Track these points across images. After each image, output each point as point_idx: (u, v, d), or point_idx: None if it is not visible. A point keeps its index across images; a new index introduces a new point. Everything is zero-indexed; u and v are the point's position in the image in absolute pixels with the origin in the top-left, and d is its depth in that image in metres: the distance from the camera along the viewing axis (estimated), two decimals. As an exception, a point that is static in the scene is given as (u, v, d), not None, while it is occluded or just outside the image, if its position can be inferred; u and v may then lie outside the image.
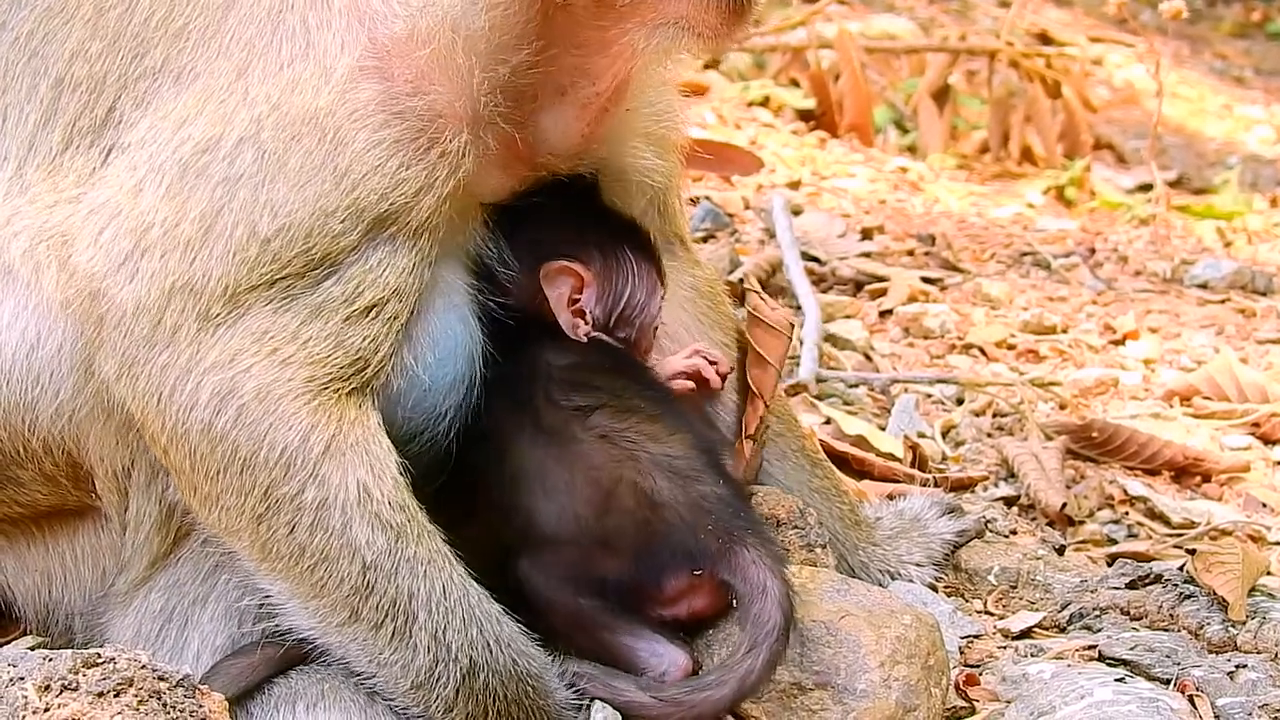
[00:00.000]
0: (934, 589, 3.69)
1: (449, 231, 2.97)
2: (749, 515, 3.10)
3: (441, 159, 2.84)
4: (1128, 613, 3.59)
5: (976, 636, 3.52)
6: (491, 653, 2.88)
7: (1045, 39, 9.73)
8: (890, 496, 4.02)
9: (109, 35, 2.95)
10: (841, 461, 4.28)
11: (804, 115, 8.95)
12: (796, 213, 6.95)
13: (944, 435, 4.85)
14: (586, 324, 3.30)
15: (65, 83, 2.97)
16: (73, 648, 2.89)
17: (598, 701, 2.95)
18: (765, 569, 2.97)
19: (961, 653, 3.44)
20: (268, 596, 2.90)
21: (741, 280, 5.90)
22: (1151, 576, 3.69)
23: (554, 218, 3.28)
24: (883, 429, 4.76)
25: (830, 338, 5.54)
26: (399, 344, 2.89)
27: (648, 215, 3.45)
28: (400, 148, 2.81)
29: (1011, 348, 5.76)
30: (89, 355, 2.87)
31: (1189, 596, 3.57)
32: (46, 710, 2.62)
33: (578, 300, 3.29)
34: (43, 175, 2.96)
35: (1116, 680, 3.15)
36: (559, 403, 3.13)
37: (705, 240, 6.46)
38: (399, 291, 2.85)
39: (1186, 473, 4.73)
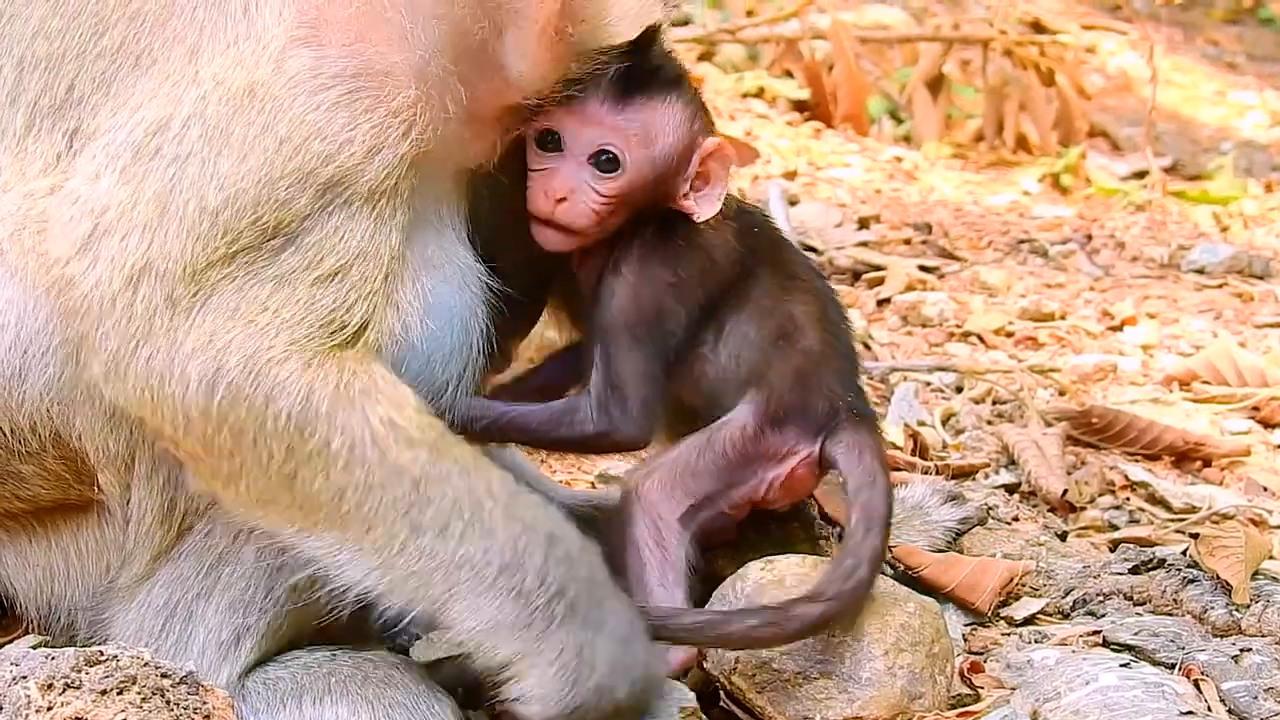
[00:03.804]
0: (937, 576, 3.68)
1: (427, 198, 2.93)
2: (866, 403, 3.21)
3: (391, 118, 2.81)
4: (1131, 598, 3.58)
5: (980, 624, 3.52)
6: (561, 526, 2.87)
7: (1038, 27, 9.69)
8: (892, 485, 4.01)
9: (69, 13, 2.94)
10: (842, 450, 4.26)
11: (798, 106, 8.94)
12: (793, 203, 6.95)
13: (944, 423, 4.84)
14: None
15: (27, 61, 2.96)
16: (75, 645, 2.89)
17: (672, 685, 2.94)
18: (877, 461, 3.08)
19: (965, 640, 3.44)
20: (313, 562, 2.84)
21: None
22: (1154, 561, 3.69)
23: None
24: (882, 417, 4.76)
25: (828, 327, 5.52)
26: (379, 307, 2.84)
27: None
28: (340, 110, 2.79)
29: (1010, 335, 5.75)
30: (74, 350, 2.84)
31: (1192, 581, 3.57)
32: (50, 709, 2.61)
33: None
34: (10, 159, 2.95)
35: (1121, 665, 3.14)
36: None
37: (702, 231, 6.43)
38: (364, 254, 2.81)
39: (1187, 458, 4.72)
